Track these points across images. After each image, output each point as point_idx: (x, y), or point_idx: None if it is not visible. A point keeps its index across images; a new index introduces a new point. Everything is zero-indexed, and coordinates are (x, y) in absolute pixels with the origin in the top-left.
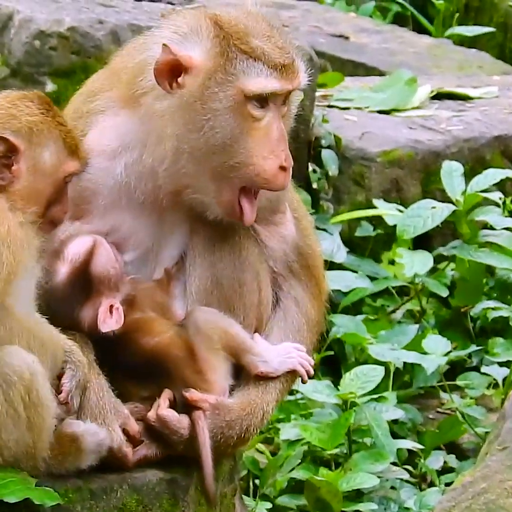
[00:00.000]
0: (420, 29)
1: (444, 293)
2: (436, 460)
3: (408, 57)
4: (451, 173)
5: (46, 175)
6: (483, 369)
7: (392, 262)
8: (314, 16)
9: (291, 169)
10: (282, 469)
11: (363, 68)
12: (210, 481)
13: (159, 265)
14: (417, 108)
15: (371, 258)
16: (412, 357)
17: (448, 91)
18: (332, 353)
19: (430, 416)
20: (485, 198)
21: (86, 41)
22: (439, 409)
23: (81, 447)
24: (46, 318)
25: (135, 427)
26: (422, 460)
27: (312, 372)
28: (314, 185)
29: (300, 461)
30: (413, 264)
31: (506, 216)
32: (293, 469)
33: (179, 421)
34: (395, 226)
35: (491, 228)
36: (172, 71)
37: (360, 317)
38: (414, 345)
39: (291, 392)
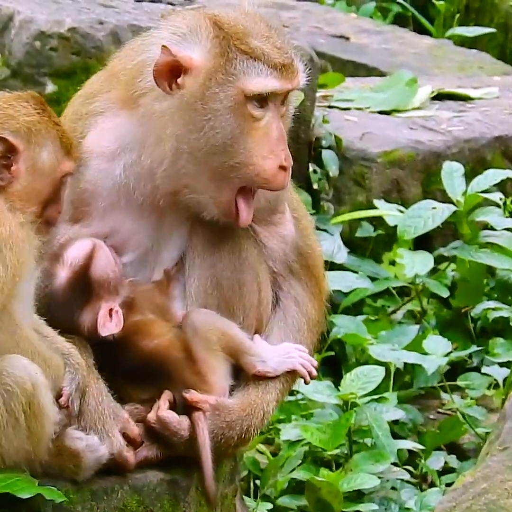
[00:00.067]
0: (420, 30)
1: (445, 293)
2: (436, 461)
3: (408, 58)
4: (452, 174)
5: (45, 174)
6: (484, 369)
7: (392, 263)
8: (314, 16)
9: (290, 168)
10: (282, 469)
11: (363, 69)
12: (210, 482)
13: (159, 266)
14: (418, 108)
15: (372, 258)
16: (412, 357)
17: (448, 91)
18: (332, 353)
19: (431, 417)
20: (486, 198)
21: (86, 42)
22: (439, 410)
23: (81, 464)
24: (45, 322)
25: (135, 430)
26: (422, 461)
27: (314, 373)
28: (315, 186)
29: (300, 461)
30: (414, 265)
31: (506, 217)
32: (293, 469)
33: (179, 422)
34: (395, 226)
35: (492, 228)
36: (171, 72)
37: (360, 318)
38: (415, 346)
39: (292, 393)
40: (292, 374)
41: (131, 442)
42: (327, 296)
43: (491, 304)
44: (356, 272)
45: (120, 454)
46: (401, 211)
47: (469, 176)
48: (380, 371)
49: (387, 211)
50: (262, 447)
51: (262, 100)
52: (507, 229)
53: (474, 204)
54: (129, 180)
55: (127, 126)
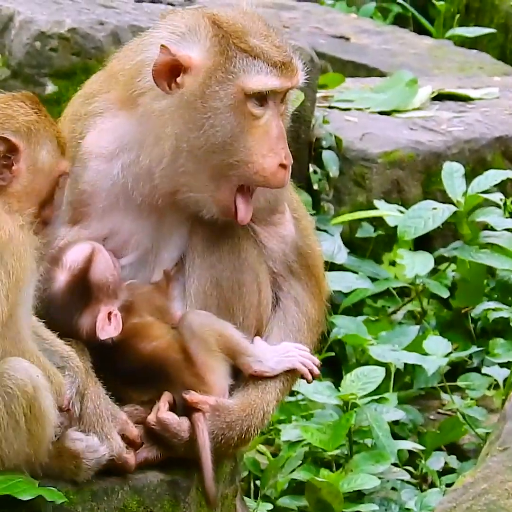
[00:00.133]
0: (420, 30)
1: (445, 294)
2: (436, 461)
3: (408, 58)
4: (452, 174)
5: (45, 174)
6: (484, 370)
7: (393, 263)
8: (314, 17)
9: (290, 167)
10: (283, 470)
11: (363, 69)
12: (210, 483)
13: (158, 267)
14: (418, 109)
15: (372, 259)
16: (413, 358)
17: (449, 92)
18: (333, 354)
19: (431, 417)
20: (486, 199)
21: (86, 43)
22: (439, 410)
23: (81, 465)
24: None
25: (134, 431)
26: (422, 461)
27: (316, 371)
28: (315, 186)
29: (301, 462)
30: (414, 265)
31: (507, 217)
32: (294, 470)
33: (179, 423)
34: (396, 227)
35: (492, 229)
36: (171, 72)
37: (360, 318)
38: (415, 346)
39: (292, 393)
40: (292, 373)
41: (131, 443)
42: (327, 296)
43: (491, 304)
44: (356, 272)
45: (119, 455)
46: (401, 212)
47: (469, 176)
48: (380, 372)
49: (387, 211)
50: (262, 447)
51: (262, 98)
52: (507, 230)
53: (474, 205)
54: (127, 180)
55: (125, 126)
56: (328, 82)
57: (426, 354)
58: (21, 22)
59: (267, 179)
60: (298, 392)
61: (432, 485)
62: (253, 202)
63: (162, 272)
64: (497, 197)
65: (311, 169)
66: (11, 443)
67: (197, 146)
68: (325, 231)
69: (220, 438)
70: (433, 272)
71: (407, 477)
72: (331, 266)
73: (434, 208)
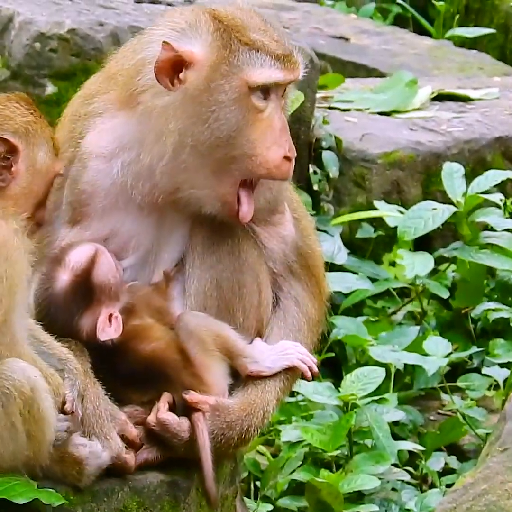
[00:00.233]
0: (420, 31)
1: (445, 294)
2: (437, 462)
3: (408, 59)
4: (452, 175)
5: (42, 174)
6: (484, 370)
7: (392, 264)
8: (314, 17)
9: (294, 159)
10: (283, 471)
11: (363, 70)
12: (210, 483)
13: (158, 267)
14: (418, 109)
15: (372, 259)
16: (413, 358)
17: (448, 92)
18: (333, 354)
19: (431, 418)
20: (486, 199)
21: (86, 43)
22: (440, 411)
23: (84, 470)
24: (43, 326)
25: (133, 432)
26: (423, 462)
27: (315, 369)
28: (315, 187)
29: (301, 462)
30: (414, 266)
31: (507, 218)
32: (294, 471)
33: (179, 424)
34: (396, 227)
35: (492, 229)
36: (173, 68)
37: (360, 319)
38: (415, 347)
39: (292, 394)
40: (292, 372)
41: (130, 443)
42: (327, 296)
43: (491, 305)
44: (356, 273)
45: (119, 456)
46: (401, 212)
47: (469, 177)
48: (380, 372)
49: (387, 212)
50: (262, 448)
51: (265, 91)
52: (508, 230)
53: (474, 205)
54: (127, 179)
55: (125, 126)
56: (328, 82)
57: (426, 354)
58: (20, 23)
59: (271, 172)
60: (298, 393)
61: (432, 486)
62: (254, 203)
63: (162, 272)
64: (497, 197)
65: (311, 170)
66: (7, 445)
67: (201, 140)
68: (325, 231)
69: (220, 438)
70: (433, 273)
71: (407, 477)
72: (331, 267)
73: (434, 209)
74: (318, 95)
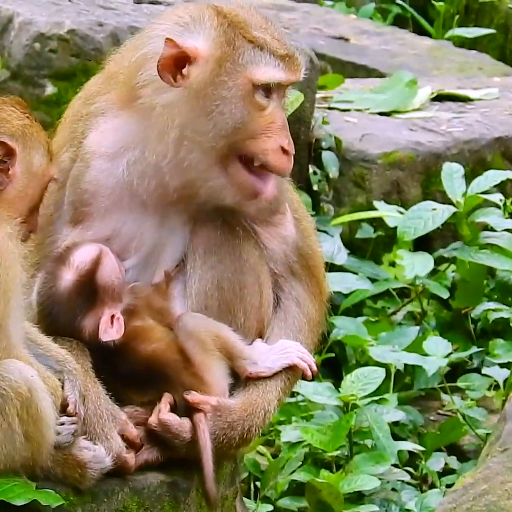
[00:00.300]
0: (420, 31)
1: (445, 294)
2: (437, 462)
3: (408, 59)
4: (452, 175)
5: (38, 178)
6: (484, 370)
7: (392, 264)
8: (314, 18)
9: (293, 158)
10: (283, 471)
11: (363, 70)
12: (210, 483)
13: (160, 268)
14: (418, 109)
15: (372, 260)
16: (413, 359)
17: (448, 92)
18: (333, 355)
19: (431, 418)
20: (486, 199)
21: (86, 44)
22: (440, 411)
23: (86, 474)
24: (45, 325)
25: (134, 432)
26: (423, 462)
27: (315, 368)
28: (315, 187)
29: (301, 463)
30: (414, 266)
31: (506, 218)
32: (294, 471)
33: (181, 424)
34: (395, 228)
35: (492, 229)
36: (176, 64)
37: (360, 319)
38: (415, 347)
39: (292, 394)
40: (293, 371)
41: (131, 444)
42: (327, 297)
43: (491, 305)
44: (356, 273)
45: (119, 456)
46: (401, 212)
47: (469, 177)
48: (380, 373)
49: (387, 212)
50: (262, 448)
51: (267, 89)
52: (507, 230)
53: (474, 205)
54: (133, 178)
55: (128, 125)
56: (327, 83)
57: (426, 354)
58: (20, 24)
59: (271, 159)
60: (298, 393)
61: (432, 486)
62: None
63: (163, 273)
64: (497, 197)
65: (310, 170)
66: (4, 447)
67: (203, 132)
68: (325, 232)
69: (221, 438)
70: (433, 273)
71: (407, 478)
72: (331, 267)
73: (434, 209)
74: (318, 96)
